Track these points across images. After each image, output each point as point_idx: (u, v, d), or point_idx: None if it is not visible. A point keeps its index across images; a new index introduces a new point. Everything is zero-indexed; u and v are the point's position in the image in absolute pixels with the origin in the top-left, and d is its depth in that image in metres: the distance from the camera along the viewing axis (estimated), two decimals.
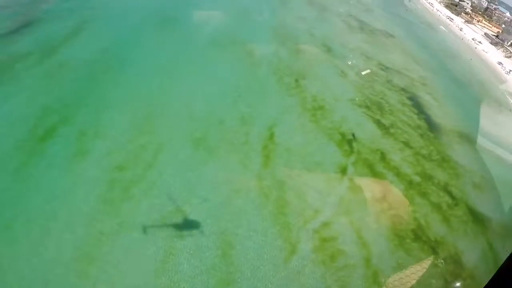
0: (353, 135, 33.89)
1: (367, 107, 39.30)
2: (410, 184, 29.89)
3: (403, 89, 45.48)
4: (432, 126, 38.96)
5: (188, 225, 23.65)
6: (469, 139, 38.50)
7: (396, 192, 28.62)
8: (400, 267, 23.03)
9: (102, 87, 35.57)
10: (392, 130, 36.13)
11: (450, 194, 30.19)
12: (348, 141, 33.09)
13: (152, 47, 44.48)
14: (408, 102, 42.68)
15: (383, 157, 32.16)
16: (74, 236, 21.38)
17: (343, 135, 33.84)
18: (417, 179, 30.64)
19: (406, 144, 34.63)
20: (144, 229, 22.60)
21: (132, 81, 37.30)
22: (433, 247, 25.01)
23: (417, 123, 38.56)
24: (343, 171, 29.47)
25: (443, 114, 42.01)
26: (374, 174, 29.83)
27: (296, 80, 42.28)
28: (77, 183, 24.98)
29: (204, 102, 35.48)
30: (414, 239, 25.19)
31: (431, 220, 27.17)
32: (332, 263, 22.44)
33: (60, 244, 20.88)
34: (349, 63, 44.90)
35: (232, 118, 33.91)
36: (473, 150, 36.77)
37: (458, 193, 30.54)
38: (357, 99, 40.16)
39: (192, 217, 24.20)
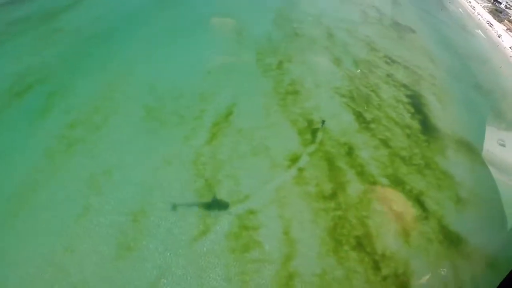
0: (323, 123, 29.92)
1: (351, 97, 34.71)
2: (372, 186, 25.50)
3: (404, 85, 39.81)
4: (426, 128, 33.37)
5: (110, 188, 22.42)
6: (469, 149, 32.36)
7: (351, 192, 24.51)
8: (324, 274, 19.36)
9: (84, 53, 36.40)
10: (372, 125, 31.41)
11: (421, 205, 25.27)
12: (313, 130, 29.20)
13: (142, 21, 44.21)
14: (405, 99, 37.14)
15: (349, 152, 27.91)
16: (12, 181, 21.84)
17: (310, 123, 29.96)
18: (383, 181, 26.10)
19: (384, 142, 29.84)
20: (70, 184, 22.23)
21: (114, 50, 37.63)
22: (376, 261, 20.78)
23: (407, 122, 33.26)
24: (294, 160, 25.86)
25: (445, 118, 35.91)
26: (331, 168, 25.86)
27: (280, 62, 38.68)
28: (31, 135, 25.65)
29: (172, 76, 34.08)
30: (354, 247, 21.16)
31: (385, 231, 22.76)
32: (243, 254, 19.42)
33: None
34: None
35: (194, 94, 31.95)
36: (469, 162, 30.79)
37: (433, 206, 25.47)
38: (341, 87, 35.73)
39: (116, 182, 22.95)
